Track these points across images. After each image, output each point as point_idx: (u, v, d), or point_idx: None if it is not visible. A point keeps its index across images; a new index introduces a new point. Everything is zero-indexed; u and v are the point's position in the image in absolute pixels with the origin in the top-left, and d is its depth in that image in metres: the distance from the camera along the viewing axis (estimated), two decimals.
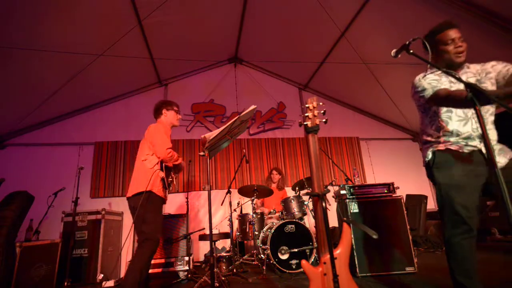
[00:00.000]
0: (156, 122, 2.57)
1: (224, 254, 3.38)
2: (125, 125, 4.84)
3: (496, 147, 1.60)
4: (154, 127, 2.41)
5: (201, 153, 2.15)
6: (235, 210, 4.02)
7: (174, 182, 2.55)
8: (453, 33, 1.61)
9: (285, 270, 2.99)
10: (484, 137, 1.07)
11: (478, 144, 1.57)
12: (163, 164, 2.36)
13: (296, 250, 3.06)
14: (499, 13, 2.94)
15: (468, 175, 1.52)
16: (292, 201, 3.52)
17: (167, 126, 2.53)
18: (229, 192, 3.92)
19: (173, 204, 4.47)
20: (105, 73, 4.21)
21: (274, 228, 3.16)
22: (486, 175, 1.52)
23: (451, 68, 1.65)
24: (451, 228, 1.53)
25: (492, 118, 1.68)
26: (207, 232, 2.65)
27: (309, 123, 1.69)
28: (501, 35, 3.07)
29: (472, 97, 1.08)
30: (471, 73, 1.67)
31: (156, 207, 2.30)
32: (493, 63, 1.67)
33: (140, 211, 2.20)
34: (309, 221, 4.44)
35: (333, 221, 4.16)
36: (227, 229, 3.85)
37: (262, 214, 3.75)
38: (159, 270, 3.45)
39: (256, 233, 3.54)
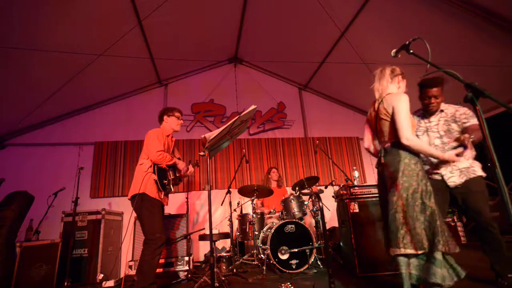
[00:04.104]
0: (159, 127, 2.77)
1: (224, 254, 3.38)
2: (125, 125, 4.84)
3: (457, 171, 2.17)
4: (148, 134, 2.59)
5: (201, 153, 2.16)
6: (235, 210, 4.02)
7: (171, 185, 2.58)
8: (430, 92, 2.23)
9: (285, 270, 2.99)
10: (485, 139, 1.07)
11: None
12: (156, 167, 2.48)
13: (296, 250, 3.06)
14: (498, 12, 2.93)
15: None
16: (292, 201, 3.52)
17: (164, 131, 2.70)
18: (229, 192, 3.92)
19: (173, 204, 4.47)
20: (105, 73, 4.21)
21: (274, 228, 3.16)
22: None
23: (426, 113, 2.35)
24: None
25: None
26: (207, 232, 2.65)
27: None
28: (501, 35, 3.07)
29: (472, 97, 1.08)
30: (445, 114, 2.29)
31: (150, 208, 2.41)
32: (461, 111, 2.24)
33: (137, 213, 2.41)
34: (309, 221, 4.45)
35: (333, 221, 4.17)
36: (227, 229, 3.86)
37: (262, 214, 3.75)
38: (159, 270, 3.45)
39: (256, 233, 3.54)
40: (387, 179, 1.77)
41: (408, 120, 1.72)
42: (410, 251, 1.57)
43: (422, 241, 1.58)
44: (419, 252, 1.57)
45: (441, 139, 2.24)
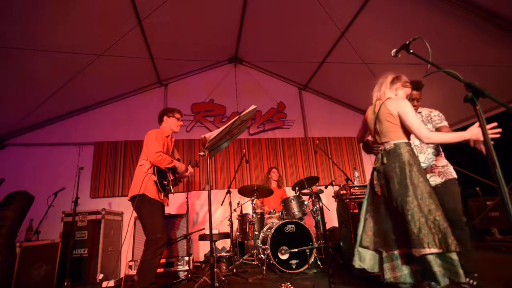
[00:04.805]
0: (159, 127, 2.76)
1: (224, 254, 3.38)
2: (125, 125, 4.83)
3: (437, 169, 2.26)
4: (147, 135, 2.57)
5: (201, 153, 2.17)
6: (235, 210, 4.02)
7: (171, 186, 2.58)
8: (414, 94, 2.30)
9: (285, 270, 2.99)
10: (485, 137, 1.07)
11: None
12: (156, 168, 2.47)
13: (296, 250, 3.06)
14: (499, 13, 2.93)
15: None
16: (292, 201, 3.52)
17: (164, 132, 2.68)
18: (229, 192, 3.92)
19: (173, 204, 4.47)
20: (105, 73, 4.21)
21: (274, 228, 3.16)
22: None
23: None
24: None
25: (432, 150, 2.32)
26: (207, 232, 2.65)
27: None
28: (501, 35, 3.07)
29: (472, 97, 1.08)
30: (420, 116, 2.41)
31: (150, 209, 2.41)
32: (434, 113, 2.37)
33: (138, 214, 2.41)
34: (309, 221, 4.44)
35: (333, 221, 4.17)
36: (227, 229, 3.85)
37: (262, 214, 3.75)
38: (160, 270, 3.45)
39: (256, 233, 3.54)
40: (392, 179, 1.79)
41: (418, 121, 1.79)
42: (435, 250, 1.57)
43: (441, 239, 1.60)
44: (441, 250, 1.58)
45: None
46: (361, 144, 2.35)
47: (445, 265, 1.60)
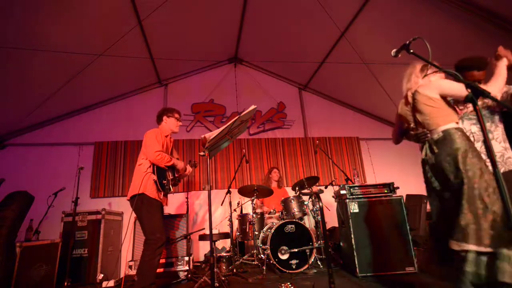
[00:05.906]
0: (158, 127, 2.76)
1: (224, 254, 3.38)
2: (125, 125, 4.83)
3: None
4: (146, 134, 2.58)
5: (201, 153, 2.17)
6: (235, 210, 4.02)
7: (171, 185, 2.57)
8: (475, 75, 1.95)
9: (285, 270, 2.99)
10: (484, 137, 1.07)
11: None
12: (155, 167, 2.47)
13: (296, 250, 3.06)
14: (499, 13, 2.93)
15: None
16: (292, 201, 3.52)
17: (163, 131, 2.69)
18: (229, 192, 3.92)
19: (173, 204, 4.47)
20: (105, 73, 4.21)
21: (274, 228, 3.16)
22: None
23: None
24: None
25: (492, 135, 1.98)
26: (207, 232, 2.65)
27: None
28: (502, 35, 3.07)
29: (473, 97, 1.08)
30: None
31: (150, 208, 2.40)
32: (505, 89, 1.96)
33: (137, 214, 2.40)
34: (309, 221, 4.45)
35: (333, 221, 4.17)
36: (227, 229, 3.86)
37: (262, 214, 3.75)
38: (160, 270, 3.45)
39: (256, 233, 3.54)
40: (446, 170, 1.61)
41: (460, 85, 1.60)
42: (480, 248, 1.41)
43: (494, 237, 1.42)
44: (491, 249, 1.41)
45: (476, 125, 2.01)
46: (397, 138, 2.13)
47: (489, 263, 1.41)
